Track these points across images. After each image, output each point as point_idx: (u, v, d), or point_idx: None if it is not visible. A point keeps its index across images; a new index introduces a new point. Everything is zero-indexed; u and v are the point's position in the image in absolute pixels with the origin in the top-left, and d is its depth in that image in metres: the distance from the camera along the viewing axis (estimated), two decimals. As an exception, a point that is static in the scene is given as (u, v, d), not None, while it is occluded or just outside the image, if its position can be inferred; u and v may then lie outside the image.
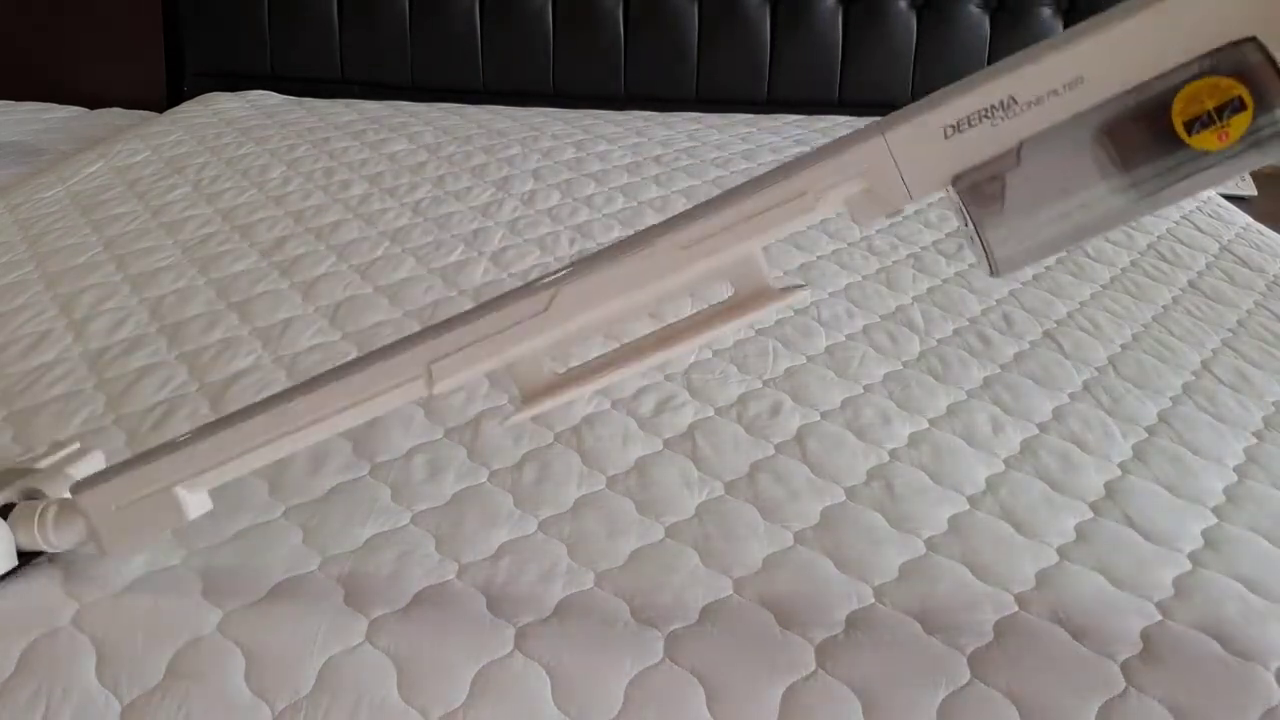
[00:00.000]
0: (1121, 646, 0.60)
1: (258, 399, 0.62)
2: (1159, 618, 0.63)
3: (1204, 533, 0.72)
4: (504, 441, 0.79)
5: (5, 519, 0.61)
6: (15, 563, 0.61)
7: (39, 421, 0.81)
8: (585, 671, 0.57)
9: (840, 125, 1.84)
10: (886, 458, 0.79)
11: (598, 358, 0.59)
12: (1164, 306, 1.10)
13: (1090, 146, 0.51)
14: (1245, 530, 0.72)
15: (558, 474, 0.75)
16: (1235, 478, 0.79)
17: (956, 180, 0.53)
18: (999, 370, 0.94)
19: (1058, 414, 0.86)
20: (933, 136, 0.52)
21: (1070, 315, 1.06)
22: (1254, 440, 0.84)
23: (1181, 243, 1.29)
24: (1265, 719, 0.56)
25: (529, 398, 0.58)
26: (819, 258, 1.20)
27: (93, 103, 2.04)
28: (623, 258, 0.56)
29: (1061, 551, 0.69)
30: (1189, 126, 0.49)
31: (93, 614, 0.60)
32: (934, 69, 1.97)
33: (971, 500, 0.74)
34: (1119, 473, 0.78)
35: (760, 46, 1.99)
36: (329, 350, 0.95)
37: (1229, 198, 1.60)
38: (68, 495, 0.62)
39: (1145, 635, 0.61)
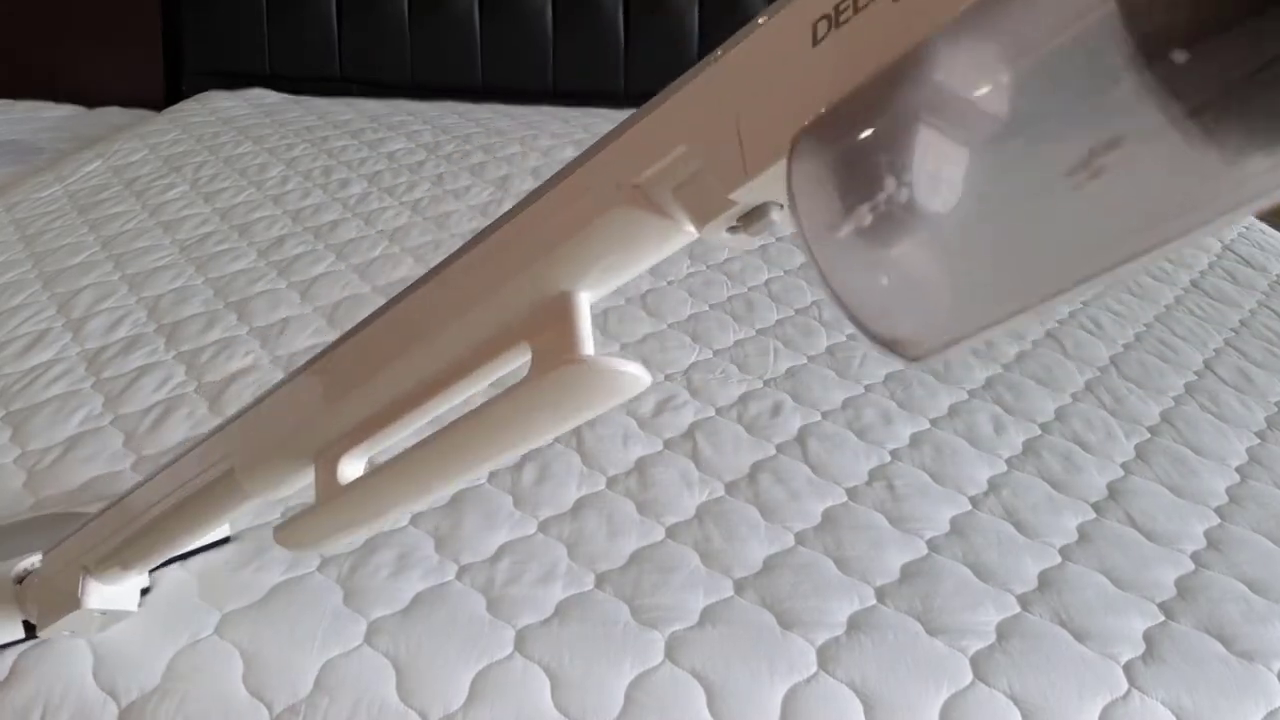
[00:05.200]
0: (1124, 647, 0.60)
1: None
2: (1161, 618, 0.63)
3: (1206, 533, 0.71)
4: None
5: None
6: (21, 634, 0.57)
7: (36, 421, 0.80)
8: (585, 673, 0.57)
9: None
10: (888, 458, 0.79)
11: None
12: (1166, 306, 1.10)
13: (1108, 57, 0.22)
14: (1248, 530, 0.72)
15: (558, 474, 0.75)
16: (1238, 478, 0.78)
17: (813, 136, 0.27)
18: (1001, 370, 0.93)
19: (1060, 414, 0.86)
20: (792, 47, 0.28)
21: (1072, 315, 1.06)
22: (1257, 440, 0.84)
23: (1182, 242, 1.28)
24: (1269, 720, 0.56)
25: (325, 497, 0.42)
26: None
27: (91, 101, 2.03)
28: (379, 323, 0.41)
29: (1064, 552, 0.68)
30: None
31: (90, 615, 0.59)
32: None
33: (973, 500, 0.74)
34: (1121, 473, 0.78)
35: (760, 45, 1.98)
36: (328, 350, 0.94)
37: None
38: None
39: (1148, 636, 0.61)
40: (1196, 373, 0.95)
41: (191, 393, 0.86)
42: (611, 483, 0.75)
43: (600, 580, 0.64)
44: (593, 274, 0.35)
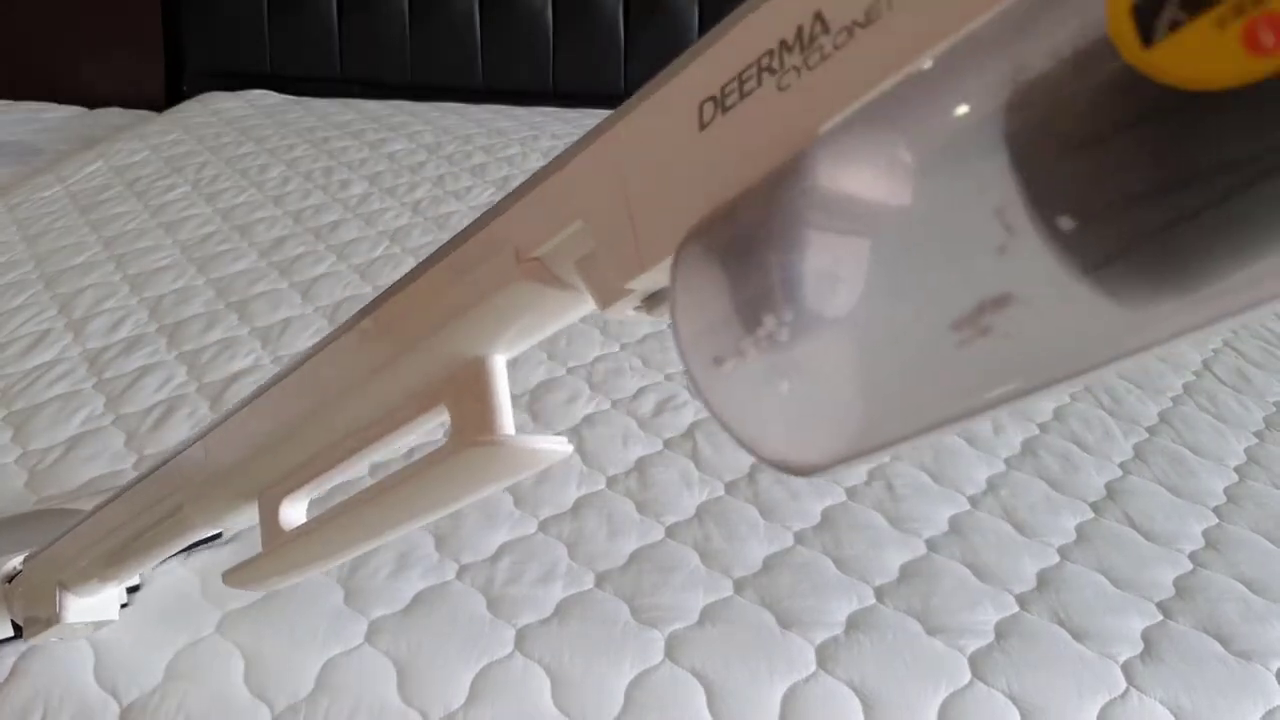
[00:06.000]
0: (1122, 647, 0.60)
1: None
2: (1160, 618, 0.63)
3: (1205, 533, 0.72)
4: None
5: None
6: (10, 632, 0.56)
7: (38, 421, 0.80)
8: (585, 672, 0.57)
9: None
10: (886, 457, 0.79)
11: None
12: (1164, 306, 1.10)
13: (994, 158, 0.19)
14: (1246, 530, 0.72)
15: (558, 474, 0.75)
16: (1236, 478, 0.78)
17: (695, 244, 0.24)
18: (999, 370, 0.94)
19: (1058, 414, 0.86)
20: (679, 130, 0.25)
21: (1070, 314, 1.06)
22: (1255, 440, 0.84)
23: (1182, 242, 1.29)
24: (1266, 720, 0.57)
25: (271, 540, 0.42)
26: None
27: (92, 102, 2.03)
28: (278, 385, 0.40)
29: (1062, 551, 0.69)
30: (1146, 33, 0.16)
31: (92, 615, 0.59)
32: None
33: (972, 500, 0.74)
34: (1120, 473, 0.78)
35: (760, 45, 1.98)
36: (328, 350, 0.95)
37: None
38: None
39: (1146, 635, 0.61)
40: (1195, 372, 0.95)
41: (193, 393, 0.86)
42: (611, 482, 0.75)
43: (600, 580, 0.65)
44: (503, 340, 0.34)
